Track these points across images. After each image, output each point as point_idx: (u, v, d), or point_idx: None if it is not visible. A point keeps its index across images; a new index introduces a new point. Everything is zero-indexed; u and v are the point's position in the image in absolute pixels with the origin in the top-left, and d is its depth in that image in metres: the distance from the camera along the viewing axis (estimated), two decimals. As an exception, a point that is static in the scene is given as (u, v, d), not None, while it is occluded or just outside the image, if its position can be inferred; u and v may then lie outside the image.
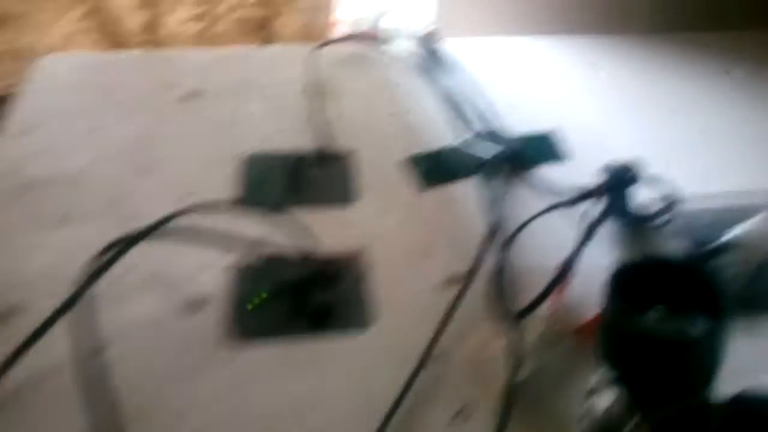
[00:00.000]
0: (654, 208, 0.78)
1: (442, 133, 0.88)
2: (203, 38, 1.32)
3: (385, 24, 1.32)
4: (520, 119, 0.91)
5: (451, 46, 1.04)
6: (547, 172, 0.85)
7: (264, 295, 0.66)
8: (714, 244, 0.71)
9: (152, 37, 1.30)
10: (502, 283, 0.67)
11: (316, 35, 1.39)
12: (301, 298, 0.66)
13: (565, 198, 0.78)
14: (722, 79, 1.02)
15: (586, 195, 0.75)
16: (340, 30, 1.39)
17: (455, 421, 0.58)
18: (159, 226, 0.60)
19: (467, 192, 0.80)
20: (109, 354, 0.60)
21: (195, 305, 0.67)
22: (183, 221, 0.63)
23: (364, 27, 1.32)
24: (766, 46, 1.10)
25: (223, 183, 0.79)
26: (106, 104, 0.90)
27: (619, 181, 0.74)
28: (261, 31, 1.33)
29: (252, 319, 0.65)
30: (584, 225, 0.72)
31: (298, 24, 1.32)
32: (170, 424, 0.57)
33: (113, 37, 1.25)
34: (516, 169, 0.84)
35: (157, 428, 0.57)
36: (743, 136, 0.91)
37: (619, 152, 0.83)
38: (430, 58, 1.03)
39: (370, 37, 1.28)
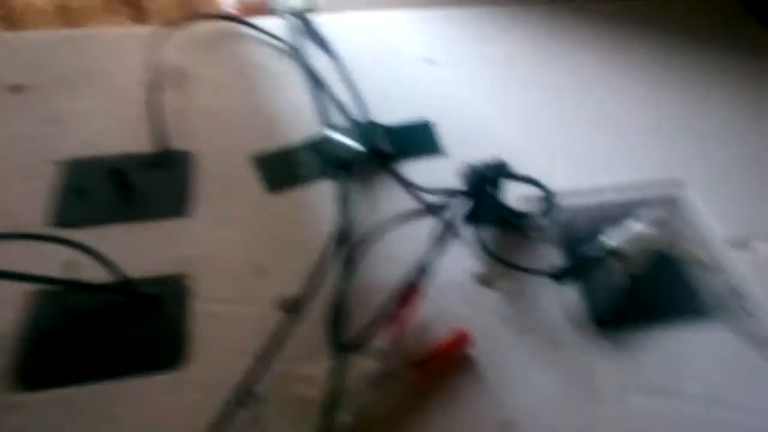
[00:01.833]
0: (530, 207, 0.75)
1: (303, 125, 0.84)
2: (64, 14, 1.25)
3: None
4: (394, 108, 0.88)
5: (327, 22, 0.99)
6: (421, 168, 0.81)
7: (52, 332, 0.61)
8: (586, 255, 0.68)
9: (4, 10, 1.23)
10: (337, 308, 0.64)
11: (195, 9, 1.32)
12: (107, 333, 0.62)
13: (431, 200, 0.75)
14: (619, 54, 0.99)
15: (442, 204, 0.71)
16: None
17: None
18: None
19: (322, 195, 0.77)
20: None
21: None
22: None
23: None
24: (672, 15, 1.07)
25: (36, 193, 0.74)
26: None
27: (482, 180, 0.70)
28: (128, 5, 1.26)
29: (48, 359, 0.62)
30: (438, 235, 0.69)
31: (173, -5, 1.25)
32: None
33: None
34: (384, 165, 0.80)
35: None
36: (636, 122, 0.88)
37: (502, 143, 0.81)
38: (304, 35, 0.98)
39: (251, 12, 1.23)
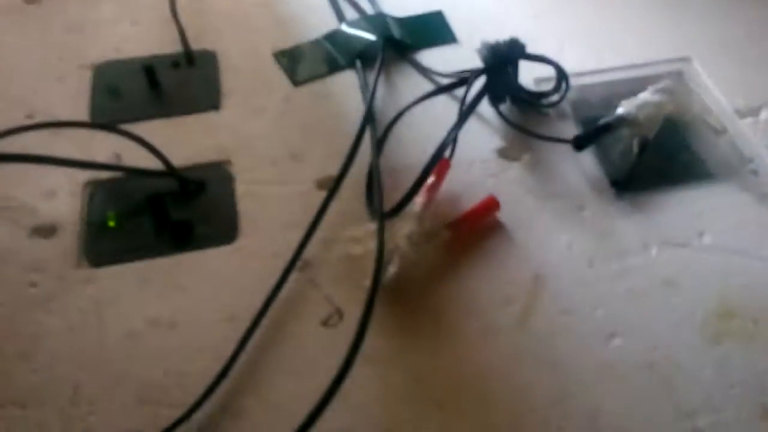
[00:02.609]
0: (543, 86, 0.80)
1: (317, 21, 0.88)
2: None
3: None
4: (404, 0, 0.91)
5: None
6: (436, 56, 0.86)
7: (113, 218, 0.66)
8: (601, 122, 0.74)
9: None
10: (373, 181, 0.69)
11: None
12: (162, 215, 0.67)
13: (445, 82, 0.80)
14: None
15: (464, 78, 0.76)
16: None
17: (325, 327, 0.61)
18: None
19: (343, 85, 0.81)
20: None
21: (46, 230, 0.67)
22: (28, 141, 0.62)
23: None
24: None
25: (73, 97, 0.78)
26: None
27: (500, 57, 0.75)
28: None
29: (109, 240, 0.67)
30: (461, 110, 0.74)
31: None
32: (26, 352, 0.59)
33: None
34: (400, 54, 0.85)
35: (13, 357, 0.59)
36: (641, 3, 0.92)
37: (512, 30, 0.83)
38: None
39: None
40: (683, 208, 0.72)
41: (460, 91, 0.79)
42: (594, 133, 0.74)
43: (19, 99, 0.78)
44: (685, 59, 0.86)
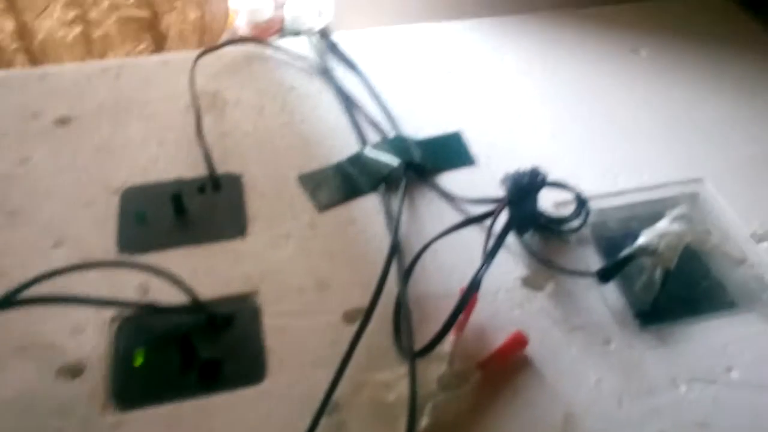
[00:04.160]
0: (563, 212, 0.78)
1: (339, 143, 0.87)
2: (85, 44, 1.26)
3: (282, 14, 1.29)
4: (423, 121, 0.91)
5: (348, 40, 1.01)
6: (455, 178, 0.84)
7: (141, 356, 0.63)
8: (623, 254, 0.71)
9: (26, 44, 1.24)
10: (401, 318, 0.66)
11: (211, 32, 1.34)
12: (188, 352, 0.64)
13: (471, 210, 0.78)
14: (629, 58, 1.03)
15: (488, 213, 0.74)
16: (236, 22, 1.35)
17: (357, 475, 0.57)
18: (21, 291, 0.56)
19: (367, 210, 0.79)
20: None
21: (72, 370, 0.64)
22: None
23: (261, 18, 1.29)
24: (675, 18, 1.11)
25: (100, 222, 0.75)
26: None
27: (523, 189, 0.73)
28: (148, 32, 1.28)
29: (136, 380, 0.63)
30: (488, 243, 0.71)
31: (190, 20, 1.27)
32: None
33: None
34: (421, 177, 0.83)
35: None
36: (651, 123, 0.91)
37: (529, 151, 0.84)
38: (327, 54, 1.01)
39: (264, 33, 1.25)
40: (708, 340, 0.69)
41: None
42: (618, 266, 0.72)
43: (48, 224, 0.76)
44: (698, 180, 0.84)
